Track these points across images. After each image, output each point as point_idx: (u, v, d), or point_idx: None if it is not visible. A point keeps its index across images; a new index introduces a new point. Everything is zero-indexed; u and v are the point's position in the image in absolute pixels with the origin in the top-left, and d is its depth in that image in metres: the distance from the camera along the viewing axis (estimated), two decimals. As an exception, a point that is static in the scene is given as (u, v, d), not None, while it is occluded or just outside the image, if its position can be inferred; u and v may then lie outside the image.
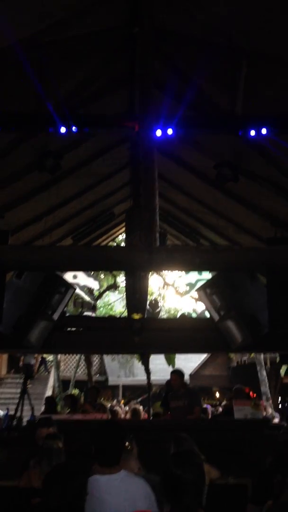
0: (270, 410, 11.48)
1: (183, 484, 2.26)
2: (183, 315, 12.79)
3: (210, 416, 9.85)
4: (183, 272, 12.88)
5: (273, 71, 4.29)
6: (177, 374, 6.85)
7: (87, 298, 13.09)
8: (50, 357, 18.03)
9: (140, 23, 3.97)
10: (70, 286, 6.68)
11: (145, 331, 6.78)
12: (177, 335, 6.94)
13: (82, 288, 14.08)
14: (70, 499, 2.23)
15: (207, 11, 3.97)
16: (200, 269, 6.17)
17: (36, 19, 3.90)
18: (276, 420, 9.91)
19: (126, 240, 6.81)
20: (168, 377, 7.37)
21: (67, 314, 8.31)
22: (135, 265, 3.79)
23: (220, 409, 11.80)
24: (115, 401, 16.37)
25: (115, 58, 5.03)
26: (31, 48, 4.14)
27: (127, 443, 4.08)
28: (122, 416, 10.03)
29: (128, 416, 9.70)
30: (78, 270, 9.34)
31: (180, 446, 3.57)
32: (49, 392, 16.61)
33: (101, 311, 18.00)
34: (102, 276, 16.40)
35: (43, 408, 9.43)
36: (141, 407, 10.04)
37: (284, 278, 5.21)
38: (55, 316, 6.35)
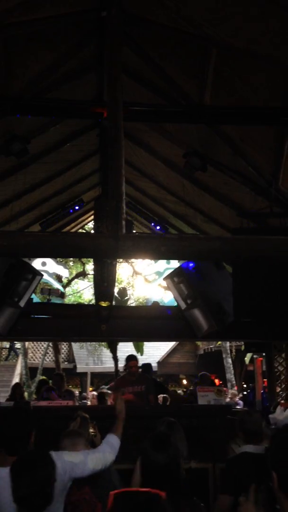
0: (236, 399, 11.74)
1: (159, 467, 2.29)
2: (155, 303, 12.88)
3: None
4: (152, 260, 12.93)
5: (242, 63, 4.32)
6: (136, 359, 6.91)
7: (55, 285, 12.98)
8: (17, 345, 17.87)
9: (107, 7, 3.91)
10: (37, 273, 6.60)
11: (112, 319, 6.79)
12: (145, 323, 6.98)
13: (51, 275, 13.95)
14: (39, 487, 2.23)
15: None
16: (165, 257, 6.18)
17: (3, -2, 3.80)
18: (239, 407, 10.14)
19: (94, 227, 6.77)
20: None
21: (34, 301, 8.22)
22: (101, 253, 3.78)
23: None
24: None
25: (84, 42, 4.95)
26: (-3, 28, 4.04)
27: (91, 430, 4.10)
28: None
29: (95, 402, 9.74)
30: (43, 256, 9.23)
31: (172, 430, 3.63)
32: (16, 380, 16.49)
33: (70, 299, 17.91)
34: (71, 263, 16.31)
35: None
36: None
37: (248, 268, 5.31)
38: (22, 303, 6.28)
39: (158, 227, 8.13)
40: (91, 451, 2.88)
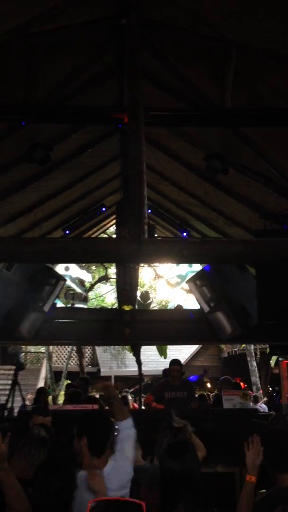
0: (260, 403, 11.60)
1: (173, 476, 2.23)
2: (179, 306, 12.85)
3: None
4: (174, 264, 12.92)
5: (262, 64, 4.29)
6: (179, 364, 6.88)
7: (78, 289, 13.11)
8: (42, 349, 18.04)
9: (127, 14, 3.95)
10: (60, 278, 6.69)
11: (135, 323, 6.81)
12: (168, 326, 6.97)
13: (74, 280, 14.09)
14: (54, 493, 2.22)
15: (194, 1, 3.96)
16: (188, 261, 6.18)
17: (24, 9, 3.87)
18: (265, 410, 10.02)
19: (116, 232, 6.83)
20: (159, 368, 7.39)
21: (58, 306, 8.30)
22: (124, 257, 3.80)
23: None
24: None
25: (104, 49, 5.00)
26: (19, 37, 4.11)
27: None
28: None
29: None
30: (67, 262, 9.35)
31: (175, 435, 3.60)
32: (41, 384, 16.65)
33: (92, 303, 18.05)
34: (94, 268, 16.43)
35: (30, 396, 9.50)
36: (129, 396, 10.09)
37: (272, 270, 5.26)
38: (46, 308, 6.36)
39: (185, 234, 8.10)
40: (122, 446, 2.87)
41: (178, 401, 6.37)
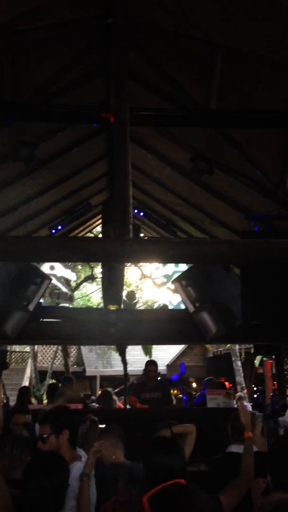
0: (244, 402, 11.66)
1: (164, 469, 2.28)
2: (164, 306, 12.88)
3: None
4: (160, 263, 12.96)
5: (248, 67, 4.33)
6: (156, 365, 6.89)
7: (64, 289, 13.05)
8: (27, 348, 17.93)
9: (113, 14, 3.95)
10: (46, 277, 6.64)
11: (121, 322, 6.80)
12: (153, 326, 6.97)
13: (59, 279, 14.00)
14: (50, 493, 2.22)
15: (180, 4, 3.98)
16: (173, 261, 6.19)
17: (10, 6, 3.85)
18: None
19: (102, 231, 6.81)
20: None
21: (44, 305, 8.25)
22: (108, 257, 3.80)
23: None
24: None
25: (91, 49, 5.00)
26: (5, 35, 4.09)
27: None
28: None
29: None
30: (51, 261, 9.29)
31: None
32: (26, 383, 16.56)
33: (78, 302, 17.98)
34: (80, 267, 16.38)
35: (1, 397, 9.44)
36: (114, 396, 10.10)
37: (256, 271, 5.30)
38: (31, 307, 6.32)
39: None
40: None
41: (153, 402, 6.40)
